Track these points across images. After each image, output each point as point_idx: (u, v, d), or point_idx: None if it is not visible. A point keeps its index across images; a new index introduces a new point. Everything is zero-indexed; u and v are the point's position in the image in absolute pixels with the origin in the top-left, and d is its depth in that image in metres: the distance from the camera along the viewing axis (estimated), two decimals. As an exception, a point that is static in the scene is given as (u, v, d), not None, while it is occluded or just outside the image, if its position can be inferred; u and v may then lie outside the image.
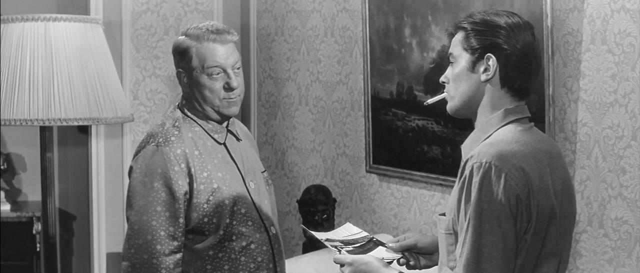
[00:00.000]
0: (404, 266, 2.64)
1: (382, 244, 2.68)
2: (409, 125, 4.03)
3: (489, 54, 2.33)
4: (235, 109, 2.92)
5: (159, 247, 2.81)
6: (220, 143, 2.95)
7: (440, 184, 3.95)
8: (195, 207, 2.86)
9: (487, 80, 2.35)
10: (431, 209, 4.03)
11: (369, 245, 2.67)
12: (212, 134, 2.94)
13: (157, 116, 4.74)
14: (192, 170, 2.86)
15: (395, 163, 4.14)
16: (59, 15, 3.92)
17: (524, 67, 2.34)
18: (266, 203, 3.00)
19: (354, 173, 4.43)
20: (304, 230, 3.05)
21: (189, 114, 2.95)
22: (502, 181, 2.22)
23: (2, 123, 3.87)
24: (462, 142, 2.43)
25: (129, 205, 2.87)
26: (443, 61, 2.56)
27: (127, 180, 2.94)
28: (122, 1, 4.69)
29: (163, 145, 2.86)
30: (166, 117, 2.97)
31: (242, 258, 2.90)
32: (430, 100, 2.57)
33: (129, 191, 2.89)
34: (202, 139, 2.93)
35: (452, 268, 2.35)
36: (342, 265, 2.55)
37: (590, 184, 3.38)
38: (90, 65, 3.94)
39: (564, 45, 3.42)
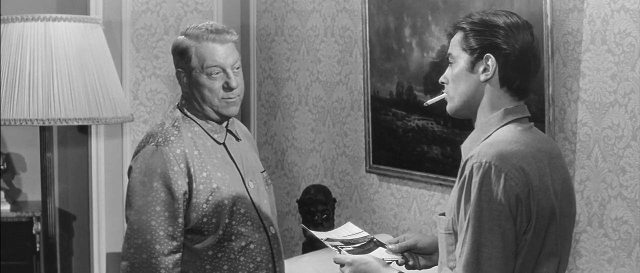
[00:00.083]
0: (404, 266, 2.64)
1: (382, 245, 2.67)
2: (409, 125, 4.03)
3: (488, 54, 2.33)
4: (234, 109, 2.92)
5: (158, 246, 2.81)
6: (219, 143, 2.95)
7: (440, 184, 3.95)
8: (194, 207, 2.86)
9: (486, 80, 2.35)
10: (431, 209, 4.03)
11: (369, 245, 2.67)
12: (211, 134, 2.94)
13: (157, 116, 4.74)
14: (192, 170, 2.85)
15: (395, 163, 4.14)
16: (59, 15, 3.92)
17: (523, 66, 2.34)
18: (265, 203, 3.00)
19: (354, 173, 4.42)
20: (304, 230, 3.05)
21: (188, 113, 2.95)
22: (501, 181, 2.22)
23: (2, 123, 3.87)
24: (462, 142, 2.43)
25: (129, 204, 2.87)
26: (443, 61, 2.56)
27: (126, 180, 2.94)
28: (122, 1, 4.69)
29: (162, 145, 2.86)
30: (166, 117, 2.97)
31: (242, 258, 2.90)
32: (430, 101, 2.57)
33: (128, 191, 2.89)
34: (201, 139, 2.92)
35: (452, 268, 2.35)
36: (342, 265, 2.55)
37: (590, 184, 3.38)
38: (90, 65, 3.94)
39: (564, 45, 3.42)
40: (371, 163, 4.27)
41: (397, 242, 2.65)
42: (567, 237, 2.38)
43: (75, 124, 3.96)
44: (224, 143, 2.96)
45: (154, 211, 2.82)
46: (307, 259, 3.91)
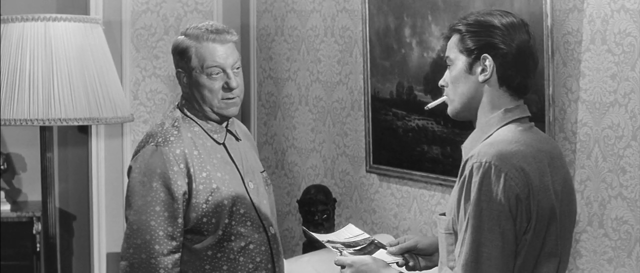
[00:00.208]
0: (404, 267, 2.64)
1: (383, 246, 2.68)
2: (409, 125, 4.03)
3: (485, 54, 2.33)
4: (234, 110, 2.92)
5: (157, 246, 2.81)
6: (219, 144, 2.95)
7: (440, 184, 3.95)
8: (194, 207, 2.86)
9: (485, 81, 2.35)
10: (431, 209, 4.03)
11: (370, 247, 2.67)
12: (211, 134, 2.94)
13: (157, 116, 4.74)
14: (191, 170, 2.85)
15: (395, 163, 4.14)
16: (59, 15, 3.92)
17: (521, 64, 2.34)
18: (265, 203, 3.00)
19: (354, 173, 4.42)
20: (304, 232, 3.05)
21: (188, 113, 2.94)
22: (501, 181, 2.22)
23: (2, 123, 3.87)
24: (462, 142, 2.43)
25: (128, 204, 2.87)
26: (444, 62, 2.58)
27: (126, 180, 2.94)
28: (122, 1, 4.69)
29: (162, 145, 2.86)
30: (165, 117, 2.97)
31: (241, 259, 2.90)
32: (431, 105, 2.57)
33: (128, 191, 2.89)
34: (201, 139, 2.92)
35: (452, 268, 2.35)
36: (343, 267, 2.55)
37: (590, 184, 3.38)
38: (90, 65, 3.94)
39: (564, 45, 3.42)
40: (371, 163, 4.27)
41: (398, 244, 2.66)
42: (567, 237, 2.38)
43: (76, 124, 3.96)
44: (223, 144, 2.96)
45: (154, 211, 2.82)
46: (307, 259, 3.91)
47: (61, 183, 5.02)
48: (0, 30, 3.93)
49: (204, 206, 2.86)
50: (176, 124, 2.92)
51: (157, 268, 2.81)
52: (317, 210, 4.24)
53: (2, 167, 4.85)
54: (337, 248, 2.65)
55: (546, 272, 2.31)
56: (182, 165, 2.85)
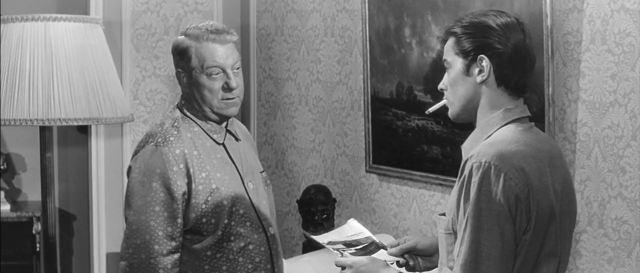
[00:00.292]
0: (404, 267, 2.64)
1: (384, 247, 2.68)
2: (409, 125, 4.03)
3: (481, 55, 2.34)
4: (234, 110, 2.92)
5: (157, 247, 2.81)
6: (219, 144, 2.95)
7: (440, 184, 3.95)
8: (193, 208, 2.86)
9: (482, 82, 2.35)
10: (431, 209, 4.03)
11: (371, 247, 2.67)
12: (211, 134, 2.94)
13: (157, 116, 4.74)
14: (191, 170, 2.85)
15: (395, 163, 4.14)
16: (59, 15, 3.92)
17: (518, 63, 2.34)
18: (265, 203, 3.00)
19: (354, 173, 4.42)
20: (305, 235, 3.05)
21: (188, 114, 2.94)
22: (501, 181, 2.22)
23: (2, 123, 3.87)
24: (462, 142, 2.43)
25: (128, 204, 2.87)
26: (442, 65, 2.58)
27: (126, 180, 2.94)
28: (122, 1, 4.69)
29: (162, 145, 2.86)
30: (165, 117, 2.97)
31: (240, 259, 2.90)
32: (431, 109, 2.57)
33: (127, 191, 2.89)
34: (201, 139, 2.92)
35: (451, 268, 2.35)
36: (343, 268, 2.56)
37: (590, 184, 3.38)
38: (90, 65, 3.94)
39: (564, 45, 3.42)
40: (371, 163, 4.27)
41: (398, 245, 2.66)
42: (567, 237, 2.38)
43: (75, 124, 3.96)
44: (223, 144, 2.96)
45: (153, 211, 2.82)
46: (307, 259, 3.91)
47: (61, 183, 5.02)
48: (0, 30, 3.93)
49: (204, 206, 2.86)
50: (176, 124, 2.92)
51: (157, 269, 2.81)
52: (317, 210, 4.24)
53: (2, 167, 4.85)
54: (337, 249, 2.66)
55: (546, 272, 2.31)
56: (181, 166, 2.84)
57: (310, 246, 4.17)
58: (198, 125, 2.94)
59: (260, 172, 3.06)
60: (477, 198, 2.23)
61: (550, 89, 3.42)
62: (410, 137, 4.04)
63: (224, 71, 2.88)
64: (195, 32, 2.89)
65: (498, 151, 2.26)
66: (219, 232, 2.87)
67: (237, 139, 3.01)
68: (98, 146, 4.73)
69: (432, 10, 3.85)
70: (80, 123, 3.94)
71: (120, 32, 4.70)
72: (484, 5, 3.58)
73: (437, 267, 2.51)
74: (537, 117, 3.35)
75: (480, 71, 2.35)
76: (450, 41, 2.39)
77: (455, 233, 2.34)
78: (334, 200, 4.33)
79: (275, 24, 4.77)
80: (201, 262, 2.88)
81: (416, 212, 4.11)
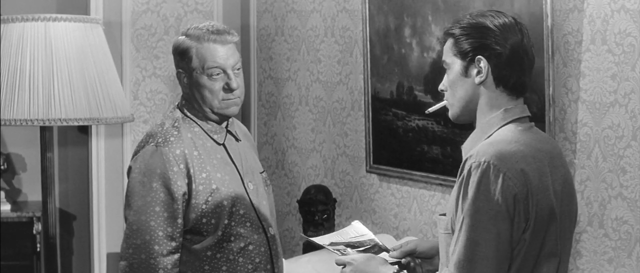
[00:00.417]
0: (405, 270, 2.64)
1: (387, 250, 2.68)
2: (409, 125, 4.03)
3: (479, 56, 2.34)
4: (234, 109, 2.92)
5: (157, 247, 2.81)
6: (219, 144, 2.95)
7: (440, 184, 3.95)
8: (193, 208, 2.86)
9: (481, 83, 2.35)
10: (431, 209, 4.03)
11: (373, 249, 2.68)
12: (211, 135, 2.94)
13: (157, 116, 4.74)
14: (191, 170, 2.85)
15: (395, 163, 4.14)
16: (59, 15, 3.92)
17: (516, 64, 2.34)
18: (265, 204, 3.00)
19: (354, 173, 4.42)
20: (306, 239, 3.04)
21: (188, 114, 2.94)
22: (500, 181, 2.22)
23: (2, 123, 3.87)
24: (462, 142, 2.43)
25: (128, 204, 2.87)
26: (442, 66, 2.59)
27: (126, 180, 2.94)
28: (122, 1, 4.69)
29: (162, 145, 2.86)
30: (166, 117, 2.97)
31: (240, 259, 2.90)
32: (431, 109, 2.58)
33: (127, 191, 2.89)
34: (201, 140, 2.92)
35: (451, 268, 2.35)
36: (344, 266, 2.56)
37: (590, 184, 3.38)
38: (90, 65, 3.94)
39: (564, 45, 3.42)
40: (371, 163, 4.27)
41: (400, 248, 2.66)
42: (567, 237, 2.38)
43: (76, 124, 3.96)
44: (223, 144, 2.96)
45: (153, 211, 2.82)
46: (307, 259, 3.91)
47: (61, 183, 5.02)
48: (0, 30, 3.93)
49: (204, 207, 2.86)
50: (176, 124, 2.92)
51: (157, 269, 2.81)
52: (317, 210, 4.24)
53: (2, 167, 4.85)
54: (338, 250, 2.66)
55: (546, 272, 2.31)
56: (182, 166, 2.84)
57: (311, 246, 4.17)
58: (198, 125, 2.94)
59: (261, 173, 3.06)
60: (475, 197, 2.23)
61: (551, 89, 3.42)
62: (410, 137, 4.04)
63: (224, 72, 2.88)
64: (196, 32, 2.89)
65: (497, 151, 2.26)
66: (219, 233, 2.87)
67: (237, 139, 3.01)
68: (98, 146, 4.73)
69: (432, 10, 3.85)
70: (81, 123, 3.94)
71: (121, 32, 4.70)
72: (484, 6, 3.58)
73: (438, 270, 2.51)
74: (537, 117, 3.35)
75: (479, 72, 2.35)
76: (449, 42, 2.39)
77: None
78: (334, 201, 4.33)
79: (276, 24, 4.77)
80: (201, 263, 2.88)
81: (416, 212, 4.11)
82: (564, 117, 3.44)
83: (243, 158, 2.99)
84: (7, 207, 4.74)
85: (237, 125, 3.07)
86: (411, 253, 2.64)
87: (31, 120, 3.84)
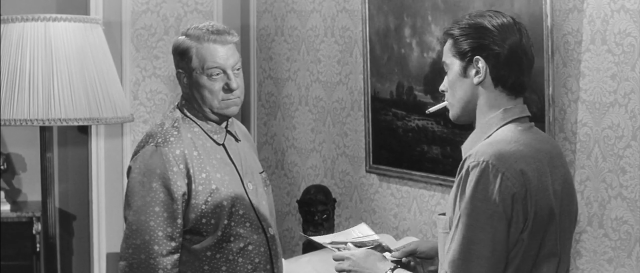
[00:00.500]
0: (405, 268, 2.64)
1: (390, 250, 2.68)
2: (409, 125, 4.03)
3: (477, 57, 2.34)
4: (234, 109, 2.92)
5: (156, 247, 2.81)
6: (219, 144, 2.95)
7: (440, 184, 3.95)
8: (193, 208, 2.86)
9: (480, 83, 2.36)
10: (431, 209, 4.03)
11: (377, 249, 2.68)
12: (211, 135, 2.94)
13: (157, 116, 4.74)
14: (191, 171, 2.85)
15: (395, 163, 4.14)
16: (59, 15, 3.92)
17: (514, 64, 2.34)
18: (264, 204, 3.00)
19: (354, 173, 4.42)
20: (307, 238, 3.04)
21: (188, 114, 2.94)
22: (498, 181, 2.22)
23: (2, 123, 3.87)
24: (462, 142, 2.44)
25: (127, 205, 2.87)
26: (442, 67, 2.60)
27: (126, 180, 2.94)
28: (122, 1, 4.69)
29: (162, 145, 2.86)
30: (165, 117, 2.97)
31: (240, 260, 2.90)
32: (432, 109, 2.58)
33: (127, 191, 2.89)
34: (201, 140, 2.92)
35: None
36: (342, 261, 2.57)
37: (590, 184, 3.38)
38: (90, 65, 3.94)
39: (564, 45, 3.42)
40: (371, 163, 4.27)
41: (401, 249, 2.67)
42: (567, 236, 2.38)
43: (76, 124, 3.96)
44: (223, 144, 2.96)
45: (153, 212, 2.82)
46: (307, 259, 3.91)
47: (61, 183, 5.02)
48: (0, 30, 3.93)
49: (203, 207, 2.86)
50: (176, 124, 2.92)
51: (156, 269, 2.81)
52: (317, 210, 4.24)
53: (2, 167, 4.85)
54: (337, 248, 2.66)
55: (546, 272, 2.31)
56: (181, 166, 2.84)
57: (311, 246, 4.17)
58: (198, 125, 2.94)
59: (260, 173, 3.06)
60: (473, 197, 2.23)
61: (551, 89, 3.42)
62: (410, 137, 4.04)
63: (224, 72, 2.88)
64: (196, 32, 2.89)
65: (497, 151, 2.26)
66: (219, 233, 2.87)
67: (237, 140, 3.01)
68: (98, 146, 4.73)
69: (432, 10, 3.85)
70: (80, 123, 3.94)
71: (120, 32, 4.70)
72: (484, 6, 3.58)
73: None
74: (537, 117, 3.35)
75: (477, 72, 2.35)
76: (448, 43, 2.40)
77: (454, 233, 2.34)
78: (334, 200, 4.33)
79: (275, 24, 4.77)
80: (201, 263, 2.88)
81: (416, 212, 4.11)
82: (564, 117, 3.44)
83: (243, 159, 2.99)
84: (7, 207, 4.75)
85: (236, 126, 3.07)
86: (412, 254, 2.65)
87: (31, 120, 3.84)
